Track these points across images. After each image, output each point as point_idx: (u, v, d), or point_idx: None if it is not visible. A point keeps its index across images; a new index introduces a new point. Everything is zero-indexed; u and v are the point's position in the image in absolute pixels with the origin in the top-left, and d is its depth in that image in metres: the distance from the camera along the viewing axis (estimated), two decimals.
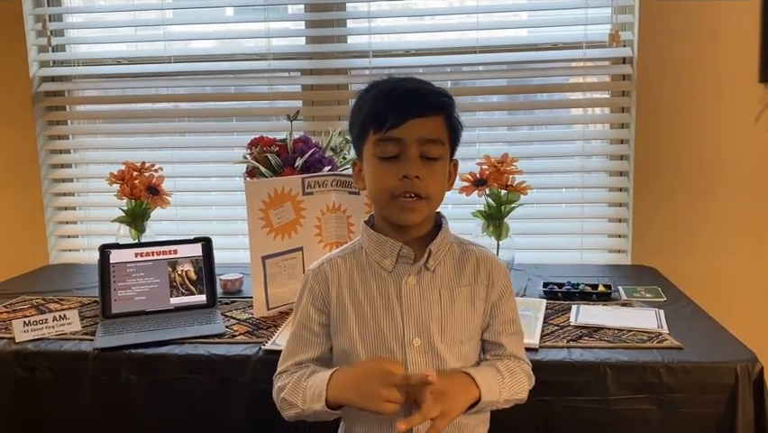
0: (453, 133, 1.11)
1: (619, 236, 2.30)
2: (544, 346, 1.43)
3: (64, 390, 1.50)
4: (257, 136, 1.90)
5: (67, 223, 2.54)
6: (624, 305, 1.72)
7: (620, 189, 2.28)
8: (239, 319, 1.69)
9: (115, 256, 1.75)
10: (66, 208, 2.53)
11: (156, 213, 2.08)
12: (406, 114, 1.04)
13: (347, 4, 2.32)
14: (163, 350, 1.50)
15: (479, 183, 1.89)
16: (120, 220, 2.04)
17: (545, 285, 1.85)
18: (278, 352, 1.42)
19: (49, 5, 2.42)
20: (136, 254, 1.77)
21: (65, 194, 2.53)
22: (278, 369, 1.18)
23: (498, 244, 1.91)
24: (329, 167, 1.83)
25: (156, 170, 2.07)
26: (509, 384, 1.12)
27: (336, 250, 1.19)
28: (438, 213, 1.16)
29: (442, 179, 1.10)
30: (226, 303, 1.83)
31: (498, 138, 2.38)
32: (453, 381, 1.07)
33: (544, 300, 1.75)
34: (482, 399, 1.07)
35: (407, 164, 1.05)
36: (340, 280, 1.14)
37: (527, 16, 2.37)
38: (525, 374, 1.16)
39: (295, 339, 1.17)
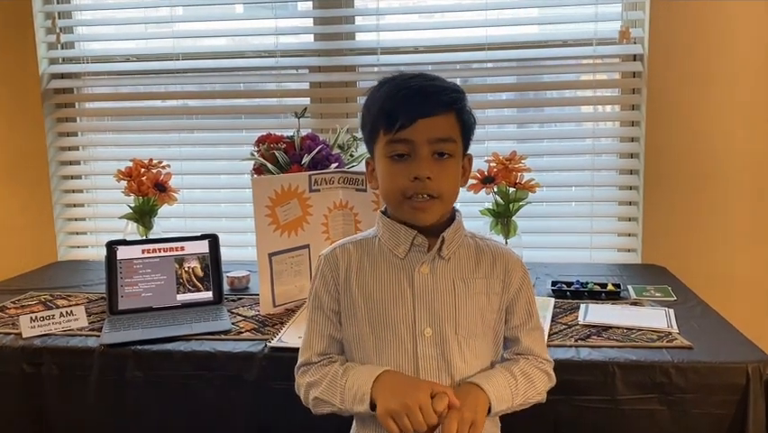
0: (466, 128, 1.08)
1: (629, 235, 2.28)
2: (551, 345, 1.42)
3: (70, 385, 1.50)
4: (264, 133, 1.89)
5: (75, 219, 2.55)
6: (633, 304, 1.71)
7: (630, 188, 2.26)
8: (245, 316, 1.69)
9: (122, 253, 1.76)
10: (74, 205, 2.54)
11: (163, 210, 2.08)
12: (414, 114, 1.02)
13: (355, 1, 2.31)
14: (169, 346, 1.49)
15: (487, 181, 1.88)
16: (127, 217, 2.04)
17: (554, 284, 1.83)
18: (285, 349, 1.45)
19: (58, 3, 2.43)
20: (143, 251, 1.77)
21: (73, 191, 2.53)
22: (300, 360, 1.15)
23: (507, 243, 1.90)
24: (336, 164, 1.83)
25: (163, 167, 2.07)
26: (523, 389, 1.10)
27: (350, 237, 1.18)
28: (452, 207, 1.14)
29: (454, 177, 1.07)
30: (233, 300, 1.82)
31: (506, 135, 2.37)
32: (465, 395, 1.04)
33: (553, 299, 1.74)
34: (492, 409, 1.05)
35: (418, 165, 1.03)
36: (350, 265, 1.12)
37: (537, 13, 2.35)
38: (542, 373, 1.14)
39: (311, 327, 1.15)
